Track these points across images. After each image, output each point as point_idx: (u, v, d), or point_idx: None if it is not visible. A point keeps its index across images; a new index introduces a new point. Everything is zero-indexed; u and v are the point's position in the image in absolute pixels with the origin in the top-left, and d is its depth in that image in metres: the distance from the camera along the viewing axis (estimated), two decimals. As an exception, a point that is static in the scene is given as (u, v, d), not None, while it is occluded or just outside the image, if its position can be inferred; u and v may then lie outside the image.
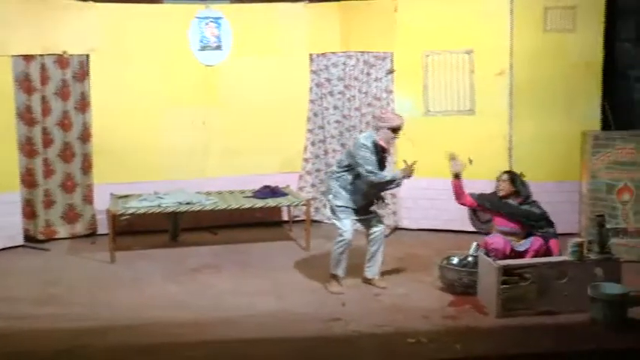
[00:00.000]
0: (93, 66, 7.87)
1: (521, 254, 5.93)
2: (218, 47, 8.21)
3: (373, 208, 6.34)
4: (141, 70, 8.01)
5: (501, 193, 6.17)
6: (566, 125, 7.63)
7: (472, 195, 6.30)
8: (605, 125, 7.59)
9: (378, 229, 6.26)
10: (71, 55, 7.80)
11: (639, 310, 5.45)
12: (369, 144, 6.02)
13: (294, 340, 5.09)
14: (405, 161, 6.10)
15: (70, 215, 8.00)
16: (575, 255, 5.54)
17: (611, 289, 5.33)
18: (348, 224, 6.11)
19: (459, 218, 7.90)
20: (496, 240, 5.93)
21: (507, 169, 7.44)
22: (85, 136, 7.96)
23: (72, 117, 7.90)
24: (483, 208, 6.25)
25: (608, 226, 5.88)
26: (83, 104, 7.92)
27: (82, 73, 7.88)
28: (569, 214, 7.52)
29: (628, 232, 6.86)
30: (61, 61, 7.78)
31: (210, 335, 5.19)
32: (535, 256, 5.86)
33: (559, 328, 5.25)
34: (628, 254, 6.70)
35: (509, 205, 6.12)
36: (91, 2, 7.79)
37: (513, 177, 6.21)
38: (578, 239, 5.75)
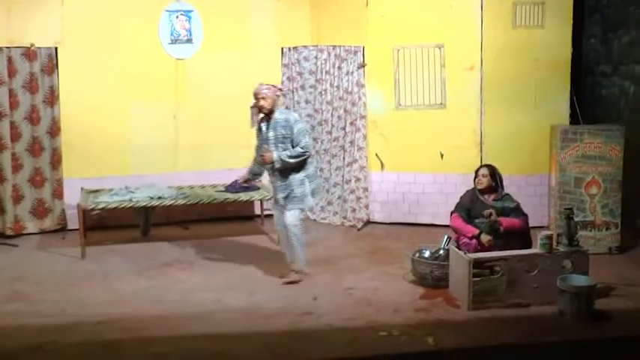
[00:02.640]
0: (61, 59, 7.72)
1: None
2: (189, 41, 8.10)
3: (295, 193, 6.07)
4: (110, 63, 7.87)
5: (480, 187, 6.13)
6: (535, 119, 7.66)
7: (460, 215, 6.10)
8: (574, 119, 7.64)
9: (285, 218, 6.14)
10: (39, 47, 7.63)
11: (606, 302, 5.50)
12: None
13: (265, 335, 5.03)
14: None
15: (40, 210, 7.84)
16: (544, 247, 5.56)
17: (579, 281, 5.36)
18: (275, 215, 6.26)
19: (430, 212, 7.95)
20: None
21: (478, 162, 7.48)
22: (54, 130, 7.80)
23: (40, 111, 7.73)
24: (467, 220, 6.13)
25: (576, 218, 5.91)
26: (52, 98, 7.75)
27: (51, 66, 7.71)
28: (538, 207, 7.57)
29: (596, 224, 6.91)
30: (29, 53, 7.60)
31: (180, 331, 5.10)
32: (509, 226, 5.86)
33: (529, 320, 5.26)
34: (596, 247, 6.78)
35: (485, 206, 6.05)
36: (59, -6, 7.64)
37: (493, 171, 6.17)
38: (547, 232, 5.76)
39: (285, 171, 6.02)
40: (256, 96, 6.02)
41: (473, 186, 6.23)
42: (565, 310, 5.25)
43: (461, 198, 6.26)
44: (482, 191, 6.13)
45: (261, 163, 6.17)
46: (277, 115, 6.04)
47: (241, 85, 8.18)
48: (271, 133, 6.03)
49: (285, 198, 6.08)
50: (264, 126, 6.11)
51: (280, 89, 6.20)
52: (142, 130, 8.03)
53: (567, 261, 5.58)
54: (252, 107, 6.12)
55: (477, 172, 6.23)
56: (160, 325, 5.22)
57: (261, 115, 6.10)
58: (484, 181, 6.13)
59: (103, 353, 4.78)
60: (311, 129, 8.42)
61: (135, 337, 4.98)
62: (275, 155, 5.96)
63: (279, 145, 5.99)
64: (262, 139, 6.14)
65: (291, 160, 5.96)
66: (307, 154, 6.03)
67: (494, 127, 7.70)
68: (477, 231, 5.92)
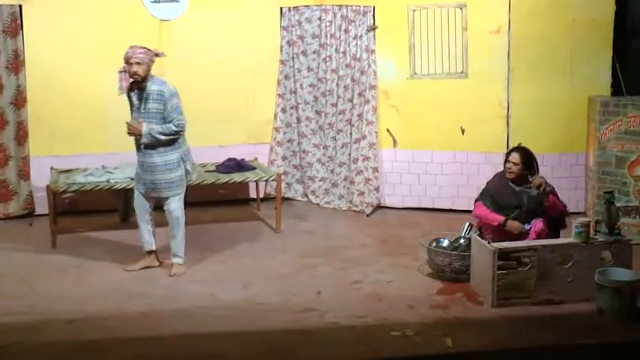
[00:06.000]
0: (27, 19, 7.71)
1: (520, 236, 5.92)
2: (174, -1, 8.10)
3: (174, 177, 6.18)
4: (84, 24, 7.85)
5: (511, 176, 6.04)
6: (570, 89, 7.66)
7: (484, 204, 6.09)
8: (616, 90, 7.61)
9: (167, 207, 6.27)
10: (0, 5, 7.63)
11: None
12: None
13: (262, 334, 5.06)
14: None
15: (3, 193, 7.88)
16: (580, 236, 5.56)
17: (621, 275, 5.37)
18: (137, 197, 6.35)
19: (449, 195, 7.96)
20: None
21: (504, 139, 7.48)
22: (19, 101, 7.81)
23: (3, 78, 7.74)
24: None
25: (617, 204, 5.92)
26: (16, 64, 7.75)
27: (14, 26, 7.70)
28: (573, 191, 7.59)
29: (640, 211, 6.94)
30: (-12, 13, 7.62)
31: (165, 330, 5.14)
32: (537, 238, 5.86)
33: (561, 319, 5.28)
34: (640, 236, 6.79)
35: (516, 192, 6.00)
36: (24, -56, 7.62)
37: (528, 158, 6.02)
38: (583, 219, 5.75)
39: (154, 150, 6.09)
40: (129, 60, 5.99)
41: (501, 169, 6.20)
42: (604, 308, 5.27)
43: (487, 184, 6.23)
44: (513, 180, 6.08)
45: (128, 134, 6.12)
46: (150, 86, 6.07)
47: (234, 51, 8.25)
48: (142, 106, 6.07)
49: (160, 183, 6.15)
50: (134, 96, 6.14)
51: (157, 54, 6.18)
52: (120, 102, 7.95)
53: (607, 252, 5.59)
54: (121, 72, 6.06)
55: (507, 156, 6.16)
56: (143, 323, 5.26)
57: (129, 82, 6.09)
58: (515, 170, 6.01)
59: (79, 356, 4.81)
60: (314, 100, 8.43)
61: (114, 338, 5.01)
62: (145, 128, 6.01)
63: (151, 120, 6.05)
64: (136, 113, 6.14)
65: (162, 137, 6.04)
66: (181, 134, 6.13)
67: (523, 99, 7.70)
68: (503, 218, 5.91)
